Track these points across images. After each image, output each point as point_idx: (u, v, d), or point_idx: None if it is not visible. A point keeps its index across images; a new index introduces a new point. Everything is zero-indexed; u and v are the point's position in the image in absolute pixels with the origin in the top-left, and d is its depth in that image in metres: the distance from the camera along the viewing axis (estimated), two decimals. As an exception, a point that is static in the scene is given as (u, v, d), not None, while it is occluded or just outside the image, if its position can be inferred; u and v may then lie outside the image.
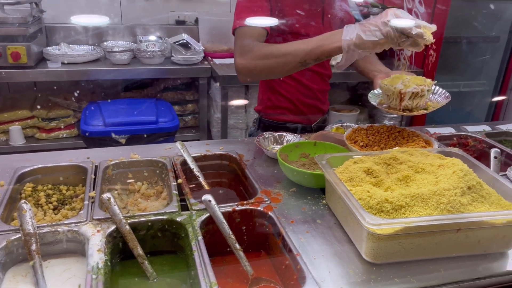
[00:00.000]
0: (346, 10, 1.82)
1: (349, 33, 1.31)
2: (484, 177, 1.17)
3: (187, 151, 1.47)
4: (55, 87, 3.13)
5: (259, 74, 1.50)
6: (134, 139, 2.60)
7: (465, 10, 3.25)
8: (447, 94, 1.50)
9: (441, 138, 1.76)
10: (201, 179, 1.35)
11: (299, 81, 1.75)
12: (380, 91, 1.51)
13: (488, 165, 1.44)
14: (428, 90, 1.40)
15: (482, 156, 1.72)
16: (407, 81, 1.39)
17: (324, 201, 1.28)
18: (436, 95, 1.51)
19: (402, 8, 3.14)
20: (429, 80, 1.42)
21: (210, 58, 3.20)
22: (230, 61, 3.18)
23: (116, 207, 1.11)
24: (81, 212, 1.16)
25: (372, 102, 1.49)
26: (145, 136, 2.64)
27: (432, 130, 1.84)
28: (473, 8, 3.29)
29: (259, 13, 1.53)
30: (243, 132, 3.16)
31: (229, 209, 1.19)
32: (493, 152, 1.47)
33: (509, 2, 3.31)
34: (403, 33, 1.26)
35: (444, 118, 3.27)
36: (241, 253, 1.05)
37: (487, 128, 1.90)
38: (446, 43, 3.29)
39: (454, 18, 3.17)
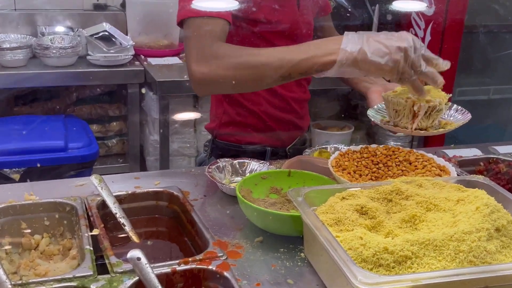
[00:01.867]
0: None
1: (351, 44, 1.35)
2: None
3: (107, 188, 1.45)
4: None
5: (225, 88, 1.54)
6: (33, 173, 2.56)
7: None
8: (466, 111, 1.56)
9: (463, 163, 1.82)
10: (127, 228, 1.34)
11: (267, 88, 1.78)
12: (382, 106, 1.57)
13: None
14: (446, 104, 1.47)
15: (519, 186, 1.78)
16: None
17: (302, 254, 1.28)
18: (451, 111, 1.58)
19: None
20: (443, 93, 1.49)
21: (143, 56, 3.21)
22: (173, 60, 3.21)
23: (1, 272, 1.08)
24: None
25: (374, 121, 1.54)
26: (49, 169, 2.60)
27: (451, 152, 1.90)
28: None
29: None
30: (192, 160, 3.16)
31: (168, 269, 1.18)
32: (530, 180, 1.52)
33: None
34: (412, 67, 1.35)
35: (469, 136, 3.37)
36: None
37: (525, 148, 1.98)
38: (468, 33, 3.43)
39: (478, 1, 3.33)
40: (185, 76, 2.94)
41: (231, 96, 1.81)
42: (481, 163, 1.85)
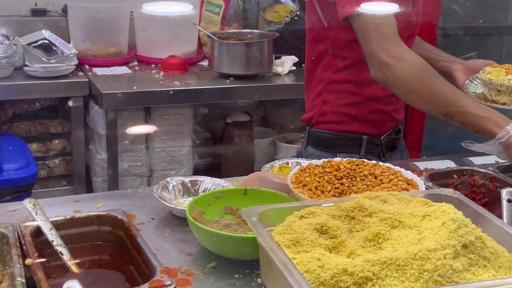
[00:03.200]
0: None
1: (505, 135, 1.64)
2: (491, 229, 1.24)
3: (42, 213, 1.44)
4: None
5: (398, 90, 1.82)
6: (-38, 198, 2.52)
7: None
8: None
9: (435, 176, 1.86)
10: (65, 257, 1.33)
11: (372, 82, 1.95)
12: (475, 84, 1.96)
13: (500, 213, 1.53)
14: None
15: (497, 200, 1.81)
16: None
17: (259, 280, 1.29)
18: None
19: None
20: None
21: (87, 66, 3.21)
22: (121, 70, 3.21)
23: None
24: None
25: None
26: (-19, 193, 2.57)
27: (422, 164, 1.93)
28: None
29: None
30: (144, 180, 3.16)
31: (109, 301, 1.18)
32: (505, 193, 1.56)
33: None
34: None
35: (448, 147, 3.44)
36: None
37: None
38: (443, 37, 3.52)
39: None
40: (135, 87, 2.94)
41: (332, 86, 2.01)
42: (455, 176, 1.89)
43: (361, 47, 1.83)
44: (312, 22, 1.99)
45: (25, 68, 2.99)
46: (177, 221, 1.54)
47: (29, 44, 3.04)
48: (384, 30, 1.79)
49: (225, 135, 3.44)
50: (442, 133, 3.79)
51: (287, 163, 1.83)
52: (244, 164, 3.39)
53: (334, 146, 2.03)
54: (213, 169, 3.41)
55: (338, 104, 2.02)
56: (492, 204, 1.84)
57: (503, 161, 1.98)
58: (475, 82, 2.01)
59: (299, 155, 2.12)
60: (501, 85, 1.85)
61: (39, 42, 3.06)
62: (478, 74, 1.99)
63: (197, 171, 3.27)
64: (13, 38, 3.16)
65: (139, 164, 3.11)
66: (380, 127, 2.06)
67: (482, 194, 1.87)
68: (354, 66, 1.96)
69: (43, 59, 2.97)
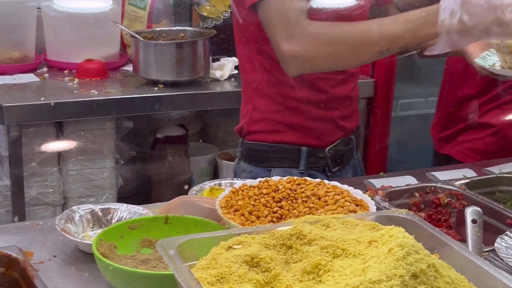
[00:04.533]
0: None
1: (447, 14, 1.65)
2: (450, 255, 1.26)
3: None
4: None
5: (318, 66, 1.88)
6: None
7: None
8: None
9: (393, 195, 1.88)
10: None
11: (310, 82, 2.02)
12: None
13: (464, 237, 1.56)
14: None
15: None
16: None
17: (180, 325, 1.29)
18: None
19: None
20: None
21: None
22: (27, 78, 3.16)
23: None
24: None
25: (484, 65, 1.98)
26: None
27: (379, 182, 1.96)
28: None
29: None
30: (58, 209, 3.11)
31: None
32: (469, 213, 1.59)
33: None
34: None
35: (416, 160, 3.50)
36: None
37: (469, 173, 2.08)
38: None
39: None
40: (43, 98, 2.91)
41: (263, 90, 2.06)
42: (416, 194, 1.92)
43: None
44: (235, 16, 2.02)
45: None
46: (84, 258, 1.52)
47: None
48: (287, 18, 1.83)
49: (155, 153, 3.43)
50: (412, 145, 3.87)
51: (220, 184, 1.84)
52: (179, 187, 3.38)
53: (268, 160, 2.06)
54: (142, 194, 3.39)
55: (269, 110, 2.06)
56: (461, 225, 1.88)
57: (472, 175, 2.02)
58: (489, 54, 2.08)
59: (235, 173, 2.14)
60: None
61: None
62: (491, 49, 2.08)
63: (122, 197, 3.23)
64: None
65: (51, 190, 3.06)
66: (323, 137, 2.09)
67: (449, 214, 1.91)
68: None
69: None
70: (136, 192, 3.44)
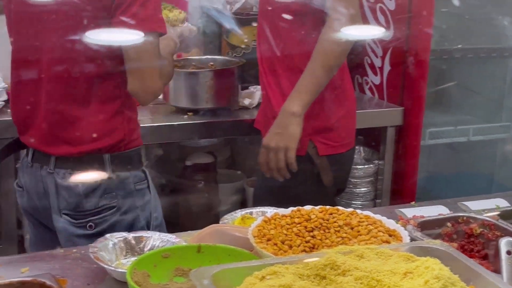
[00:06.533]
0: None
1: None
2: (486, 287, 1.25)
3: (-46, 280, 1.42)
4: None
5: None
6: None
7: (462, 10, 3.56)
8: None
9: (425, 225, 1.86)
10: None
11: None
12: None
13: (498, 268, 1.54)
14: None
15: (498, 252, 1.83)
16: None
17: None
18: None
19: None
20: None
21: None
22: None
23: None
24: None
25: None
26: None
27: (410, 211, 1.94)
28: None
29: None
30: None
31: None
32: (504, 243, 1.58)
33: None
34: None
35: (446, 189, 3.47)
36: None
37: (502, 202, 2.05)
38: (437, 60, 3.58)
39: (447, 21, 3.48)
40: None
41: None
42: (448, 224, 1.89)
43: None
44: None
45: None
46: (118, 286, 1.52)
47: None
48: None
49: (184, 180, 3.43)
50: (441, 174, 3.83)
51: (251, 213, 1.83)
52: (207, 215, 3.38)
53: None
54: (170, 222, 3.38)
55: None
56: (494, 256, 1.85)
57: (505, 205, 2.00)
58: None
59: None
60: None
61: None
62: None
63: (151, 224, 3.24)
64: None
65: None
66: None
67: (482, 245, 1.88)
68: None
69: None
70: (165, 219, 3.44)
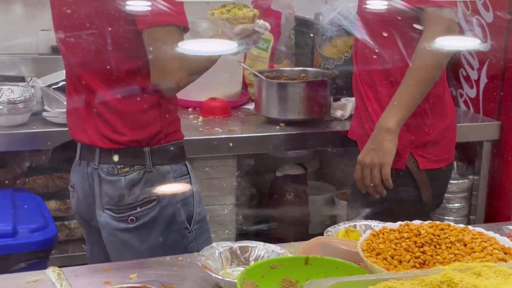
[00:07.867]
0: None
1: None
2: None
3: (68, 284, 1.45)
4: None
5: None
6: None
7: None
8: None
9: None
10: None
11: None
12: None
13: None
14: None
15: None
16: None
17: None
18: None
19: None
20: None
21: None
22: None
23: None
24: None
25: None
26: (-8, 259, 2.59)
27: (518, 228, 1.90)
28: None
29: None
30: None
31: None
32: None
33: None
34: None
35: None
36: None
37: None
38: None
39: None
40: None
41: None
42: None
43: None
44: None
45: (44, 114, 3.04)
46: (225, 295, 1.53)
47: (49, 86, 3.10)
48: None
49: (275, 191, 3.43)
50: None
51: (355, 226, 1.82)
52: (297, 226, 3.37)
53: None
54: (260, 232, 3.39)
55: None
56: None
57: None
58: None
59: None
60: None
61: (60, 84, 3.11)
62: None
63: (240, 234, 3.25)
64: (30, 80, 3.23)
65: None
66: None
67: None
68: None
69: (65, 103, 3.02)
70: (254, 230, 3.45)
